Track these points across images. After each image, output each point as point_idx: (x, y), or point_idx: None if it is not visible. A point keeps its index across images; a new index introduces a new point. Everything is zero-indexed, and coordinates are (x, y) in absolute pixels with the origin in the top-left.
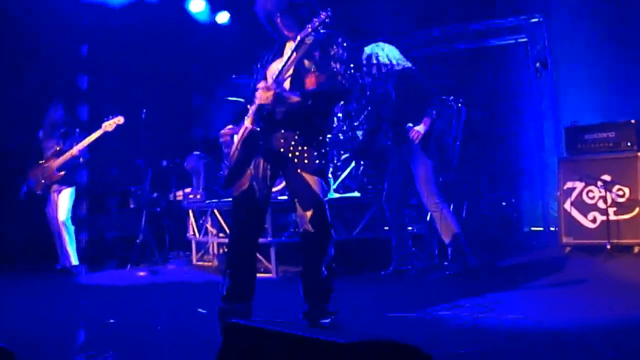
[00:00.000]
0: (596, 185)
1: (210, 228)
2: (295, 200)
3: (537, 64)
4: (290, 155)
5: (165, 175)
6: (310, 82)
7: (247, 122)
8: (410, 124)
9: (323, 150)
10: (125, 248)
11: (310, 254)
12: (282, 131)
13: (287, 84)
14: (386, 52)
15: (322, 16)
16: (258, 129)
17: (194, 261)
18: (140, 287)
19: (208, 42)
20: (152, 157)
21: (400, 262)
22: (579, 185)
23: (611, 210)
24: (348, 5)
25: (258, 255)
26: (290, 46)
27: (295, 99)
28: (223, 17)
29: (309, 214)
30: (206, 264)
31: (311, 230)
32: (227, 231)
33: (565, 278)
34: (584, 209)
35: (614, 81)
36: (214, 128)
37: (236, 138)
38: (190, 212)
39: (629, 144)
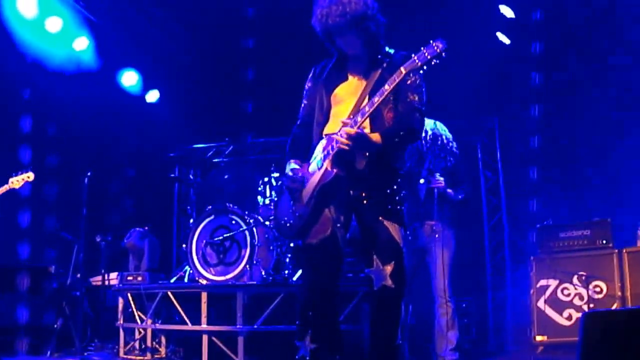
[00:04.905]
0: (571, 282)
1: (141, 315)
2: (373, 252)
3: None
4: (371, 200)
5: (94, 254)
6: (389, 116)
7: (328, 165)
8: (439, 177)
9: (402, 195)
10: (36, 336)
11: (387, 315)
12: (363, 180)
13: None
14: (445, 129)
15: (433, 49)
16: (344, 174)
17: (121, 353)
18: None
19: (140, 116)
20: (81, 231)
21: None
22: (553, 282)
23: (587, 307)
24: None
25: (221, 345)
26: (355, 68)
27: (376, 141)
28: (152, 96)
29: (389, 268)
30: (137, 357)
31: (392, 287)
32: (184, 317)
33: None
34: (559, 306)
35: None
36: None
37: (308, 180)
38: (129, 296)
39: (604, 241)
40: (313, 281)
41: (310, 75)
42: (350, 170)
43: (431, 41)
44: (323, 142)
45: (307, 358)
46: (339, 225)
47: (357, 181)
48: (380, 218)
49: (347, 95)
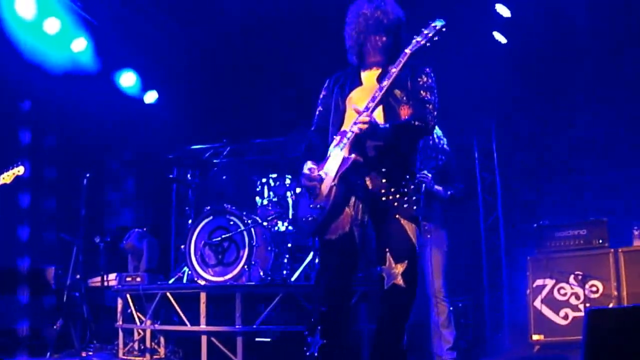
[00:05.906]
0: (568, 282)
1: (140, 316)
2: (387, 250)
3: None
4: (390, 197)
5: (93, 255)
6: (404, 113)
7: (345, 153)
8: (427, 173)
9: (417, 197)
10: (36, 337)
11: (395, 314)
12: (380, 171)
13: (379, 115)
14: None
15: (431, 27)
16: (362, 159)
17: (120, 354)
18: None
19: (139, 117)
20: (80, 232)
21: None
22: (550, 282)
23: (583, 307)
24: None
25: (220, 345)
26: (371, 74)
27: (383, 126)
28: (151, 97)
29: (401, 267)
30: (136, 358)
31: (402, 286)
32: (183, 318)
33: None
34: (555, 305)
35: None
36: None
37: (326, 174)
38: (128, 297)
39: (600, 241)
40: (329, 277)
41: (325, 85)
42: (366, 158)
43: (429, 22)
44: (337, 138)
45: (316, 354)
46: (357, 223)
47: (374, 172)
48: (397, 216)
49: (362, 98)
